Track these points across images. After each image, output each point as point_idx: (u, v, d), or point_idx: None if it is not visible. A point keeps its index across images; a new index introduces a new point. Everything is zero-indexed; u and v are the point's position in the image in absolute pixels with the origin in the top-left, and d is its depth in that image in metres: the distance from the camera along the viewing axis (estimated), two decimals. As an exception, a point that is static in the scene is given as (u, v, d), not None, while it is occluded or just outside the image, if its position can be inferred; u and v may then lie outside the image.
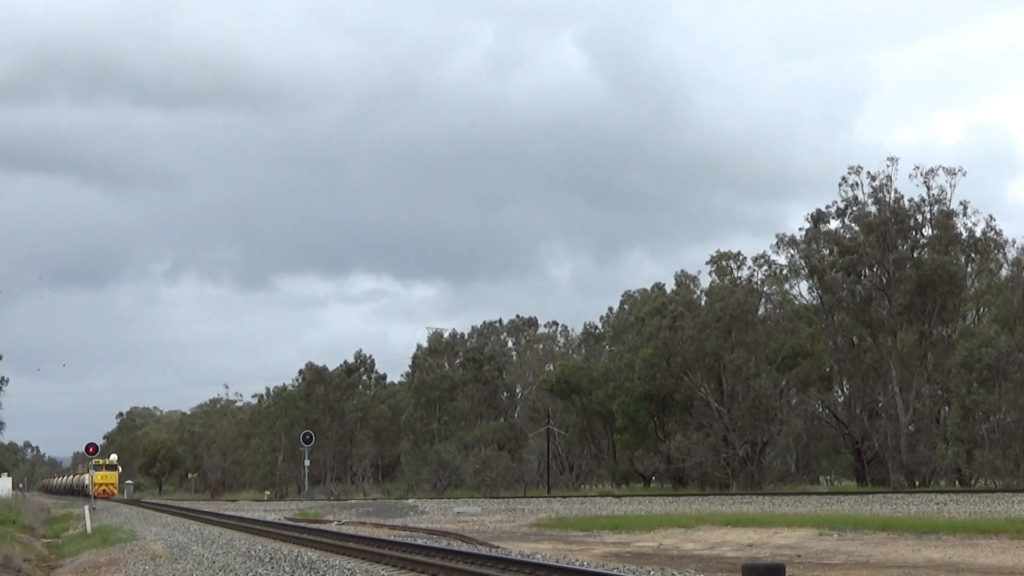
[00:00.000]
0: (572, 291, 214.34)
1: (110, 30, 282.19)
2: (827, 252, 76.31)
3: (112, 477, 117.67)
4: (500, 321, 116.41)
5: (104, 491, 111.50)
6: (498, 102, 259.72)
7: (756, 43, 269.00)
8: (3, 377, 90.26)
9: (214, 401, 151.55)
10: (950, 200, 74.11)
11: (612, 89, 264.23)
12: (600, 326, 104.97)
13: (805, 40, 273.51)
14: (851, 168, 75.74)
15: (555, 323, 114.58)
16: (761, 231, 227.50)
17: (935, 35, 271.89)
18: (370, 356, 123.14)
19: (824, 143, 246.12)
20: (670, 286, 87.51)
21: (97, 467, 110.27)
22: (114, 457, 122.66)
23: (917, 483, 69.85)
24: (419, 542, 30.76)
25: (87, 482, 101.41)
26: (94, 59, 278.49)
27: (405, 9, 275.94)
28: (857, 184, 75.30)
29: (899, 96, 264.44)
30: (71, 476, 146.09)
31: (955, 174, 74.25)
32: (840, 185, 75.79)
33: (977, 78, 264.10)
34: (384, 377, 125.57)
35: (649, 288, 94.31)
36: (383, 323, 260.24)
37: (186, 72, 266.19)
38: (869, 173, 74.98)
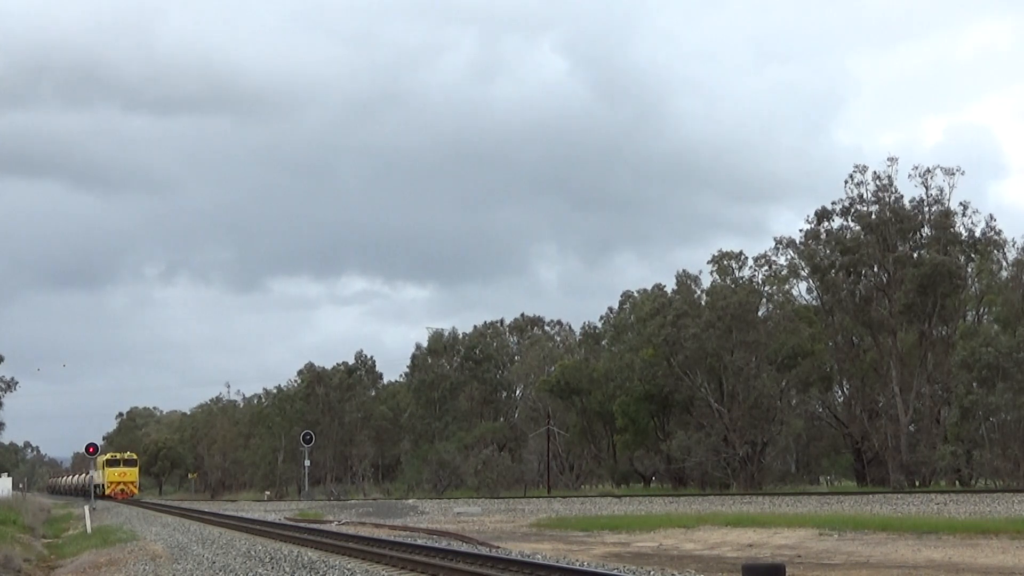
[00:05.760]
0: (561, 293, 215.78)
1: (98, 35, 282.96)
2: (827, 252, 76.37)
3: (132, 474, 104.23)
4: (502, 321, 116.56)
5: (123, 491, 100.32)
6: (482, 107, 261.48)
7: (736, 47, 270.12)
8: (12, 379, 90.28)
9: (214, 401, 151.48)
10: (949, 200, 74.31)
11: (593, 94, 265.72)
12: (599, 326, 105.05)
13: (784, 44, 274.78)
14: (856, 167, 76.00)
15: (558, 322, 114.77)
16: (744, 234, 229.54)
17: (914, 39, 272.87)
18: (371, 356, 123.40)
19: (803, 147, 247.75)
20: (665, 287, 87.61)
21: (112, 462, 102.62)
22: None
23: (917, 483, 69.85)
24: (419, 542, 30.76)
25: (97, 481, 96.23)
26: (83, 64, 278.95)
27: (389, 16, 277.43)
28: (862, 183, 75.44)
29: (878, 100, 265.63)
30: (82, 475, 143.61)
31: (953, 174, 74.47)
32: (845, 183, 76.05)
33: (957, 82, 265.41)
34: (380, 377, 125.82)
35: (643, 289, 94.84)
36: (376, 324, 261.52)
37: (174, 78, 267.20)
38: (875, 172, 75.24)
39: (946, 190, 74.09)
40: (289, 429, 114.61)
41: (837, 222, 76.73)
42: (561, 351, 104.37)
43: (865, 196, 75.31)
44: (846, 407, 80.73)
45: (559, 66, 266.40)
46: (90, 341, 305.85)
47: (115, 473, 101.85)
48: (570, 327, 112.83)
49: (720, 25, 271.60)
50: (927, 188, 74.23)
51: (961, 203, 74.30)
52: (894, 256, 73.35)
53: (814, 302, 79.51)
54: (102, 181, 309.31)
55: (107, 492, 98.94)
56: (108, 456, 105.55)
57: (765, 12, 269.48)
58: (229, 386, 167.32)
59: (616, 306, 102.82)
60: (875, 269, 74.91)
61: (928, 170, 74.37)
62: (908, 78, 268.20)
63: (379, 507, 69.03)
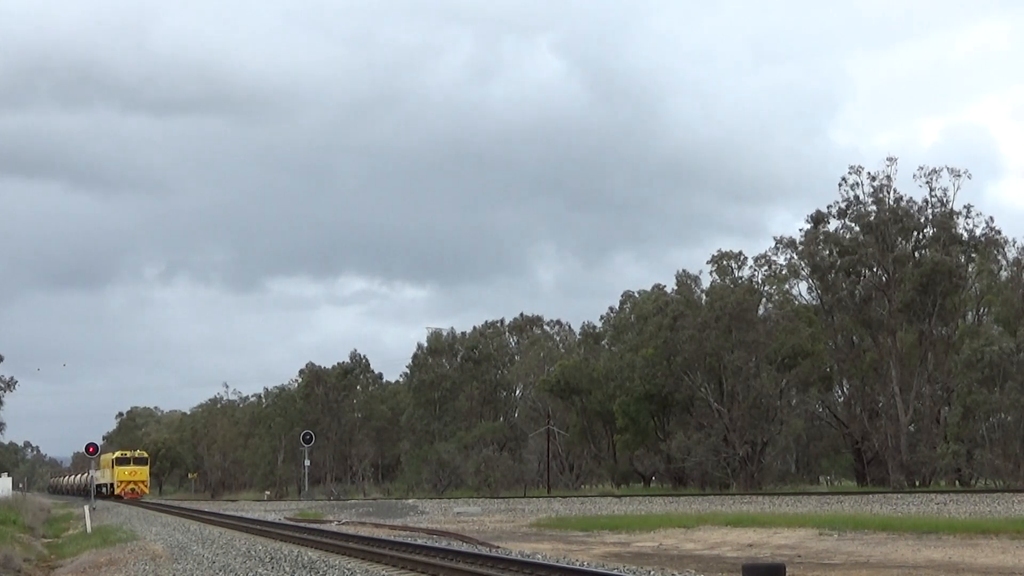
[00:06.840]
0: (560, 293, 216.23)
1: (96, 35, 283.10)
2: (827, 252, 76.38)
3: (142, 473, 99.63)
4: (501, 321, 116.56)
5: (132, 490, 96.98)
6: (480, 107, 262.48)
7: (732, 48, 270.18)
8: (12, 379, 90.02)
9: (214, 401, 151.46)
10: (953, 201, 74.24)
11: (591, 94, 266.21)
12: (599, 326, 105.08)
13: (782, 45, 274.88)
14: (851, 168, 76.14)
15: (558, 322, 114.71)
16: (741, 234, 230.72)
17: (912, 40, 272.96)
18: (365, 356, 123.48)
19: (801, 148, 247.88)
20: (665, 287, 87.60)
21: (122, 461, 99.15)
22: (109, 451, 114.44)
23: (917, 483, 69.86)
24: (419, 542, 30.76)
25: (100, 480, 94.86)
26: (82, 64, 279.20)
27: (387, 16, 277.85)
28: (858, 184, 75.46)
29: (875, 101, 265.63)
30: (83, 474, 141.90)
31: (960, 175, 74.43)
32: (840, 185, 76.06)
33: (955, 82, 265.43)
34: (380, 377, 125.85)
35: (644, 289, 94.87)
36: (374, 324, 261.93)
37: (173, 78, 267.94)
38: (869, 173, 75.24)
39: (951, 191, 74.21)
40: (289, 429, 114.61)
41: (833, 224, 76.92)
42: (561, 351, 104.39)
43: (861, 197, 75.36)
44: (846, 407, 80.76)
45: (556, 67, 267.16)
46: (90, 341, 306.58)
47: (125, 472, 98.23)
48: (570, 327, 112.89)
49: (717, 26, 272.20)
50: (931, 188, 74.26)
51: (965, 205, 74.42)
52: (893, 256, 73.36)
53: (814, 302, 79.52)
54: (101, 181, 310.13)
55: (117, 492, 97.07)
56: (118, 454, 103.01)
57: (762, 13, 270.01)
58: (227, 386, 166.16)
59: (616, 306, 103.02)
60: (874, 269, 74.91)
61: (934, 170, 74.48)
62: (905, 79, 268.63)
63: (379, 507, 69.03)
